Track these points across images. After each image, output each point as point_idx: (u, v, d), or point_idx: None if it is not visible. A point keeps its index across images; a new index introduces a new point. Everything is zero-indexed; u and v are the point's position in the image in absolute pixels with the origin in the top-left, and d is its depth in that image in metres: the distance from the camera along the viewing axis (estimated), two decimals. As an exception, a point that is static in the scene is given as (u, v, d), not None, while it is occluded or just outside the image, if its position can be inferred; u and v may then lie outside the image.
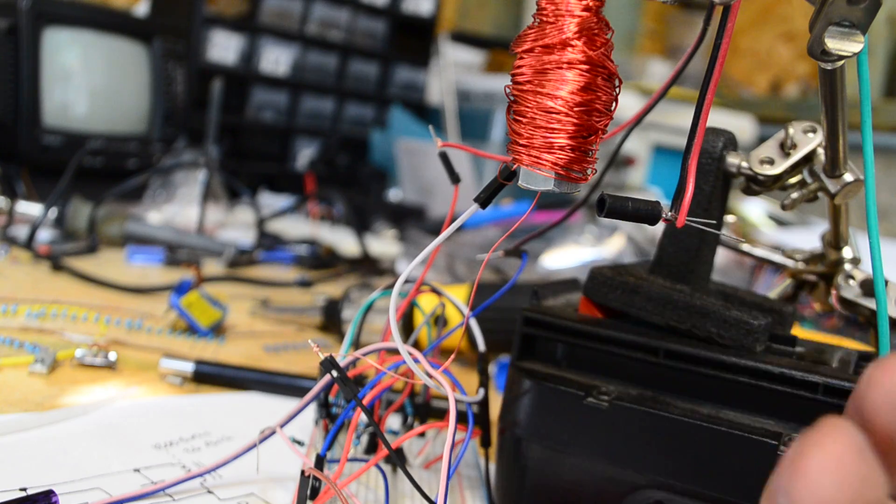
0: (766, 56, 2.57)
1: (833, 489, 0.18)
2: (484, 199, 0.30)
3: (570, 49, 0.26)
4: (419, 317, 0.60)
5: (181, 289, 0.67)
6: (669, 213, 0.29)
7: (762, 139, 0.39)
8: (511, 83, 0.27)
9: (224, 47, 1.59)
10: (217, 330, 0.68)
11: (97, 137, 1.22)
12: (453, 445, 0.30)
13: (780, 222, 1.50)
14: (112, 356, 0.56)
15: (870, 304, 0.42)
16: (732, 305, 0.36)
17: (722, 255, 0.86)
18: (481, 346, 0.40)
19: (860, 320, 0.44)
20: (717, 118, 1.61)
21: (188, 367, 0.55)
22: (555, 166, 0.27)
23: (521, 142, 0.27)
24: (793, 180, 0.38)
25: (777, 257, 0.49)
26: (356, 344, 0.41)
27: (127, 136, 1.28)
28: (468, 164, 1.43)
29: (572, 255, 0.93)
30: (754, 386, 0.34)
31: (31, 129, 1.16)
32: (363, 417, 0.38)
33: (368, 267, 1.08)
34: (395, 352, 0.36)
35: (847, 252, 0.44)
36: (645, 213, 0.29)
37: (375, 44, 1.83)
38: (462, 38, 2.01)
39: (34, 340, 0.58)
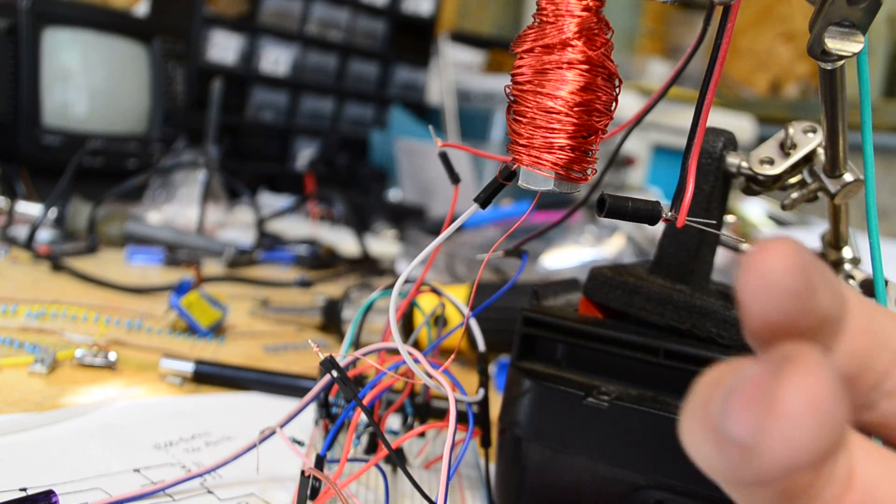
0: (765, 56, 2.57)
1: (814, 430, 0.14)
2: (484, 199, 0.30)
3: (570, 49, 0.26)
4: (419, 317, 0.60)
5: (181, 289, 0.67)
6: (669, 213, 0.29)
7: (762, 139, 0.39)
8: (511, 83, 0.27)
9: (224, 47, 1.59)
10: (217, 330, 0.68)
11: (97, 137, 1.22)
12: (453, 445, 0.30)
13: (780, 222, 1.50)
14: (112, 356, 0.56)
15: (870, 304, 0.42)
16: (733, 305, 0.36)
17: (722, 255, 0.86)
18: (481, 346, 0.40)
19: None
20: (717, 118, 1.60)
21: (188, 368, 0.55)
22: (555, 166, 0.27)
23: (521, 142, 0.27)
24: (793, 180, 0.38)
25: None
26: (356, 344, 0.41)
27: (127, 137, 1.28)
28: (468, 164, 1.43)
29: (572, 255, 0.93)
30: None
31: (31, 129, 1.16)
32: (363, 417, 0.38)
33: (368, 267, 1.08)
34: (395, 352, 0.36)
35: (847, 252, 0.44)
36: (645, 213, 0.29)
37: (375, 44, 1.83)
38: (462, 38, 2.01)
39: (34, 340, 0.58)
